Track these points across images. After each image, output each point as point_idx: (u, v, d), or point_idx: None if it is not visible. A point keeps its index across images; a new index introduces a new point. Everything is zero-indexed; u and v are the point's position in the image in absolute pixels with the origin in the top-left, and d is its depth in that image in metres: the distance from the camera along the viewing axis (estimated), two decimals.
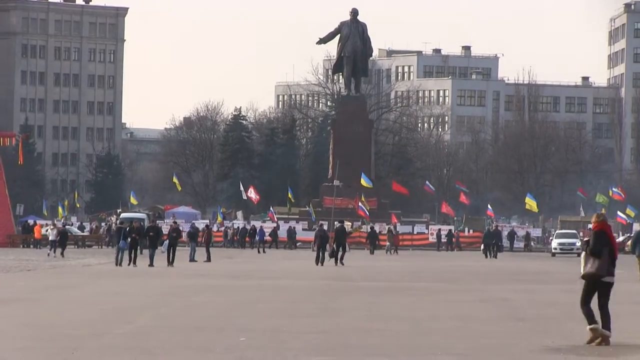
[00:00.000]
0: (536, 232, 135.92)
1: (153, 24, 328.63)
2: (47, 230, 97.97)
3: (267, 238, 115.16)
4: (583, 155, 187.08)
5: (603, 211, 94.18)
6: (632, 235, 74.17)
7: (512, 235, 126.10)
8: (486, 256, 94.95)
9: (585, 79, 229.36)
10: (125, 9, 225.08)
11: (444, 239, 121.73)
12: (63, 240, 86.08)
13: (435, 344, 23.68)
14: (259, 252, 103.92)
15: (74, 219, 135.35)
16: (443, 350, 22.45)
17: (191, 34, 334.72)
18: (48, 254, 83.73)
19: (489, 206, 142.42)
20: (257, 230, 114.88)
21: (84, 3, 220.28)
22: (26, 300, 37.72)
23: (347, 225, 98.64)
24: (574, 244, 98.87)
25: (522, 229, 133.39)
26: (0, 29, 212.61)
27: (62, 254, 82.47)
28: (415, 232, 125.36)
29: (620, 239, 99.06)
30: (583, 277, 27.70)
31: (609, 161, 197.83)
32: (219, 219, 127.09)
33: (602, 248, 27.23)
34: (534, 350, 23.05)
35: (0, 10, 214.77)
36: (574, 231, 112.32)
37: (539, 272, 64.99)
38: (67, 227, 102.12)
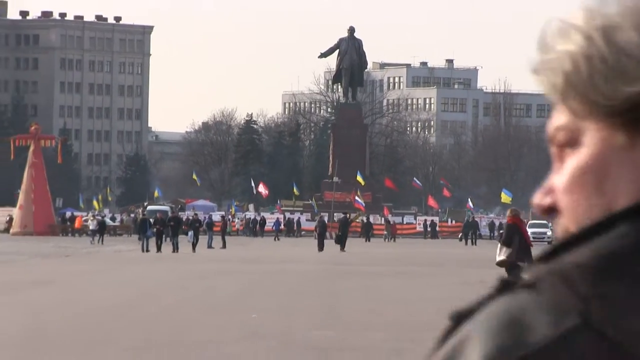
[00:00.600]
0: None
1: (175, 40, 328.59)
2: (88, 221, 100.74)
3: (282, 227, 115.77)
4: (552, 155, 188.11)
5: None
6: None
7: (491, 226, 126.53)
8: (465, 243, 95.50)
9: None
10: (151, 27, 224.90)
11: (429, 229, 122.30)
12: (102, 229, 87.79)
13: (423, 322, 23.77)
14: (275, 239, 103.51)
15: (106, 211, 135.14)
16: (430, 327, 22.51)
17: (208, 49, 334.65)
18: (91, 242, 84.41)
19: (469, 200, 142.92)
20: (274, 221, 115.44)
21: (114, 22, 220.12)
22: (63, 282, 37.70)
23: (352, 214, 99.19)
24: (545, 232, 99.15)
25: (497, 220, 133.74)
26: (41, 44, 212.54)
27: (101, 241, 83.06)
28: (404, 222, 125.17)
29: None
30: (497, 264, 29.01)
31: None
32: (233, 211, 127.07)
33: (513, 239, 28.70)
34: None
35: (42, 28, 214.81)
36: (545, 221, 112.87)
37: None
38: (104, 218, 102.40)
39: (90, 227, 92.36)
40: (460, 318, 1.17)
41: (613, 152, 1.13)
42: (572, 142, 1.17)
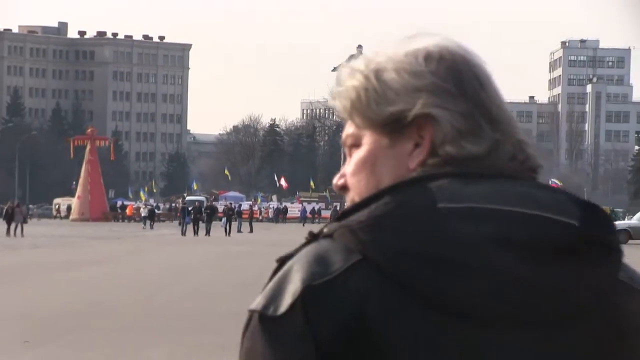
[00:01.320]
0: None
1: (210, 56, 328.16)
2: (140, 209, 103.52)
3: (308, 215, 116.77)
4: None
5: None
6: None
7: None
8: None
9: (531, 97, 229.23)
10: (190, 45, 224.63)
11: None
12: (152, 216, 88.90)
13: None
14: (302, 225, 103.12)
15: (151, 200, 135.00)
16: None
17: (238, 63, 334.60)
18: (143, 227, 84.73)
19: None
20: (301, 209, 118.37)
21: (159, 40, 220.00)
22: (115, 260, 37.61)
23: None
24: None
25: None
26: (96, 59, 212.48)
27: (152, 226, 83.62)
28: None
29: None
30: None
31: (548, 159, 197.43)
32: (258, 201, 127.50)
33: None
34: None
35: (97, 45, 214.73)
36: None
37: None
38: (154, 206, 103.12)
39: (142, 214, 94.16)
40: (284, 260, 1.93)
41: (381, 149, 1.99)
42: (356, 144, 2.03)
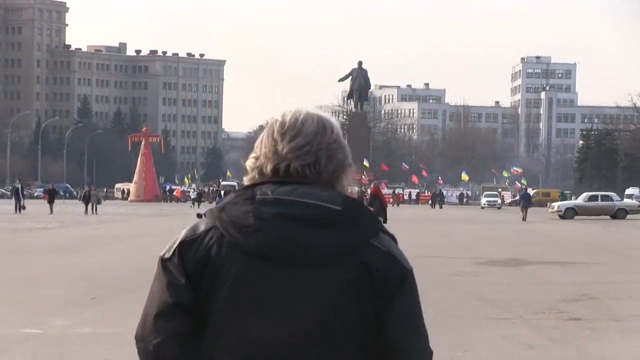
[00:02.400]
0: (468, 193, 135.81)
1: (240, 69, 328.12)
2: (190, 192, 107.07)
3: None
4: (496, 148, 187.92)
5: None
6: (520, 195, 73.97)
7: (461, 196, 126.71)
8: (433, 207, 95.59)
9: (497, 102, 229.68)
10: (224, 61, 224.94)
11: (413, 197, 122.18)
12: (199, 198, 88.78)
13: (409, 253, 23.34)
14: None
15: (193, 185, 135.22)
16: (416, 259, 22.04)
17: (262, 75, 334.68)
18: (191, 206, 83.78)
19: (439, 178, 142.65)
20: None
21: (199, 57, 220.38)
22: (163, 233, 37.34)
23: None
24: (495, 201, 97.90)
25: (457, 191, 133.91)
26: (150, 72, 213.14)
27: (198, 206, 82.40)
28: (396, 193, 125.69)
29: (516, 198, 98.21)
30: None
31: (511, 152, 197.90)
32: None
33: (374, 202, 29.95)
34: (468, 263, 22.65)
35: (150, 61, 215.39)
36: (496, 192, 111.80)
37: (471, 217, 64.29)
38: (200, 190, 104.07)
39: (192, 196, 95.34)
40: (199, 215, 2.91)
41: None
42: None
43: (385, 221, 28.36)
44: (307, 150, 2.84)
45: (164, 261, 2.89)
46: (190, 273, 2.80)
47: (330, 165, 2.88)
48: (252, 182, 2.90)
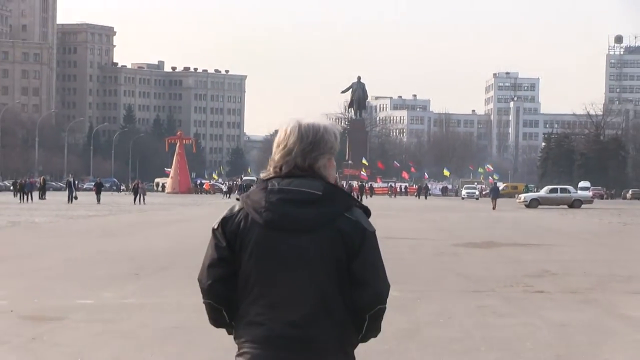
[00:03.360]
0: (449, 187, 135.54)
1: (259, 83, 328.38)
2: (220, 186, 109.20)
3: None
4: (472, 149, 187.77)
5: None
6: (490, 188, 73.94)
7: (444, 189, 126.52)
8: (418, 197, 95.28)
9: (473, 110, 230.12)
10: (246, 76, 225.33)
11: (403, 190, 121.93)
12: (230, 190, 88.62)
13: (399, 236, 23.28)
14: None
15: (221, 180, 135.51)
16: (406, 240, 21.98)
17: (277, 88, 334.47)
18: (222, 197, 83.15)
19: (425, 173, 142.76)
20: None
21: (225, 73, 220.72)
22: (195, 219, 37.34)
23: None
24: (474, 192, 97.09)
25: (440, 185, 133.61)
26: (184, 85, 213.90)
27: (229, 197, 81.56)
28: (392, 187, 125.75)
29: (487, 191, 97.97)
30: None
31: (485, 152, 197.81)
32: None
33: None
34: (449, 244, 22.63)
35: (184, 76, 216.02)
36: (474, 185, 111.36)
37: (452, 207, 64.27)
38: (228, 183, 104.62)
39: (223, 189, 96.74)
40: (237, 199, 3.60)
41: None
42: None
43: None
44: (289, 158, 3.54)
45: (213, 231, 3.60)
46: (228, 238, 3.51)
47: (306, 163, 3.53)
48: (267, 176, 3.56)
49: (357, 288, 3.42)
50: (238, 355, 3.48)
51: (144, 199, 61.18)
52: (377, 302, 3.43)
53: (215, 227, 3.58)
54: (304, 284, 3.41)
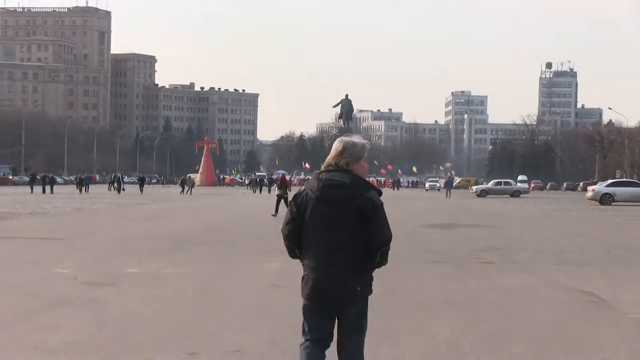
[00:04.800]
0: (417, 180, 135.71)
1: (268, 99, 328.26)
2: (242, 181, 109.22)
3: None
4: (435, 151, 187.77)
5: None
6: (445, 181, 73.56)
7: (414, 182, 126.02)
8: (393, 189, 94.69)
9: (436, 121, 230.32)
10: (258, 94, 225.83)
11: (383, 183, 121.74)
12: (249, 183, 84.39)
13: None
14: None
15: (238, 175, 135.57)
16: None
17: (284, 103, 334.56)
18: (246, 190, 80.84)
19: (399, 170, 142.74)
20: None
21: (242, 92, 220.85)
22: (218, 206, 37.32)
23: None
24: (435, 184, 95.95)
25: (409, 179, 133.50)
26: (210, 102, 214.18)
27: (248, 188, 79.32)
28: (379, 181, 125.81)
29: (439, 184, 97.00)
30: (276, 194, 28.84)
31: (445, 153, 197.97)
32: (293, 175, 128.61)
33: (283, 185, 28.60)
34: (417, 225, 22.61)
35: (210, 94, 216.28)
36: (436, 179, 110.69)
37: (419, 196, 64.28)
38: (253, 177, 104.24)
39: (246, 182, 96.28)
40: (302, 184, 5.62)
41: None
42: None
43: (286, 193, 28.32)
44: (331, 160, 4.48)
45: (290, 201, 4.55)
46: (297, 206, 4.42)
47: (340, 163, 4.44)
48: (319, 171, 4.51)
49: (371, 236, 4.31)
50: (303, 277, 4.42)
51: (191, 191, 60.98)
52: (383, 244, 4.35)
53: (291, 200, 4.53)
54: (339, 234, 4.29)
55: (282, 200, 27.73)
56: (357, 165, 4.39)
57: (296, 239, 4.37)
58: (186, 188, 60.33)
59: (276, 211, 27.09)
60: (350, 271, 4.23)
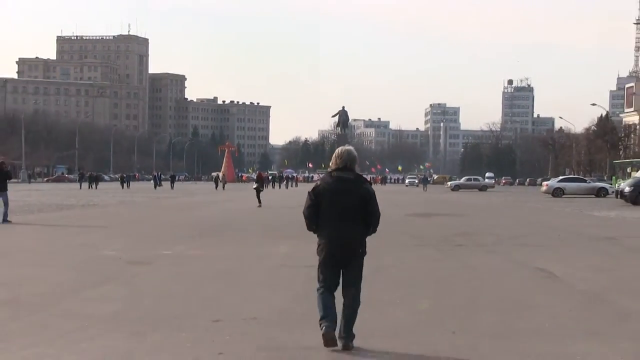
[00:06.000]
0: (402, 178, 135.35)
1: (279, 111, 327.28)
2: (253, 177, 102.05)
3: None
4: (416, 153, 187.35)
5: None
6: (421, 178, 73.19)
7: (402, 179, 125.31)
8: (382, 184, 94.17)
9: (417, 128, 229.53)
10: (270, 106, 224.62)
11: (373, 181, 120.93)
12: (275, 180, 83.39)
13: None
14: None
15: (253, 174, 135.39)
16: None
17: (293, 113, 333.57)
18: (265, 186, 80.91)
19: (386, 169, 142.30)
20: (318, 177, 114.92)
21: (256, 104, 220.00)
22: (237, 199, 37.25)
23: None
24: (414, 181, 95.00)
25: (395, 176, 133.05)
26: (230, 113, 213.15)
27: (276, 186, 76.96)
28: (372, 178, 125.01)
29: (416, 180, 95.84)
30: (254, 188, 28.82)
31: (425, 155, 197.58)
32: (299, 173, 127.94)
33: (259, 180, 28.94)
34: (401, 214, 22.57)
35: (230, 107, 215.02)
36: (415, 176, 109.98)
37: (400, 191, 64.21)
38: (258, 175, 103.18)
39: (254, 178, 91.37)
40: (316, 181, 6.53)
41: None
42: None
43: (262, 187, 28.59)
44: (339, 162, 5.16)
45: (309, 192, 5.17)
46: (315, 195, 5.11)
47: (349, 165, 5.14)
48: (330, 169, 5.14)
49: (369, 215, 5.11)
50: (319, 244, 5.12)
51: (224, 186, 60.75)
52: (377, 221, 5.19)
53: (310, 191, 5.18)
54: (347, 214, 5.04)
55: (259, 192, 28.16)
56: (355, 166, 5.13)
57: (314, 217, 5.09)
58: (219, 184, 60.09)
59: (259, 202, 27.39)
60: (354, 238, 5.06)
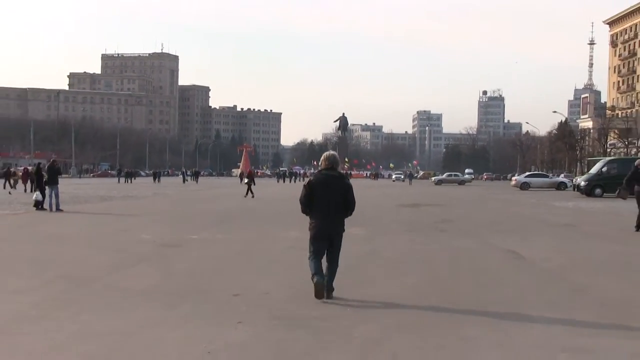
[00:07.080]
0: (392, 174, 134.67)
1: (290, 117, 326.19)
2: (269, 173, 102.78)
3: None
4: (405, 153, 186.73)
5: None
6: (407, 174, 72.76)
7: (389, 175, 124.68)
8: (375, 179, 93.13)
9: (406, 131, 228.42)
10: (281, 113, 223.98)
11: (368, 177, 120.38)
12: (278, 176, 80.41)
13: (363, 200, 23.16)
14: None
15: (268, 170, 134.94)
16: (366, 199, 21.81)
17: (299, 119, 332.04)
18: (277, 181, 76.07)
19: (380, 167, 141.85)
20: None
21: (269, 111, 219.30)
22: (255, 192, 37.22)
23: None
24: (400, 176, 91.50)
25: (388, 173, 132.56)
26: (247, 118, 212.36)
27: (277, 180, 75.14)
28: (372, 173, 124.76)
29: (402, 175, 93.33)
30: (245, 183, 28.36)
31: (413, 154, 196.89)
32: (307, 170, 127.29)
33: (250, 176, 27.45)
34: (392, 205, 22.50)
35: (247, 113, 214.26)
36: (401, 172, 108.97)
37: (389, 185, 64.08)
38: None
39: (276, 175, 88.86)
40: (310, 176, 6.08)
41: None
42: None
43: (252, 182, 28.33)
44: (327, 164, 5.63)
45: (304, 185, 5.62)
46: (310, 187, 5.59)
47: (334, 165, 5.57)
48: (320, 169, 5.61)
49: (347, 203, 5.69)
50: (310, 224, 5.70)
51: (254, 182, 59.83)
52: (353, 207, 5.75)
53: (305, 184, 5.62)
54: (333, 201, 5.62)
55: (250, 186, 28.11)
56: (338, 166, 5.72)
57: (309, 203, 5.65)
58: (244, 180, 58.85)
59: (252, 195, 27.42)
60: (337, 220, 5.69)
